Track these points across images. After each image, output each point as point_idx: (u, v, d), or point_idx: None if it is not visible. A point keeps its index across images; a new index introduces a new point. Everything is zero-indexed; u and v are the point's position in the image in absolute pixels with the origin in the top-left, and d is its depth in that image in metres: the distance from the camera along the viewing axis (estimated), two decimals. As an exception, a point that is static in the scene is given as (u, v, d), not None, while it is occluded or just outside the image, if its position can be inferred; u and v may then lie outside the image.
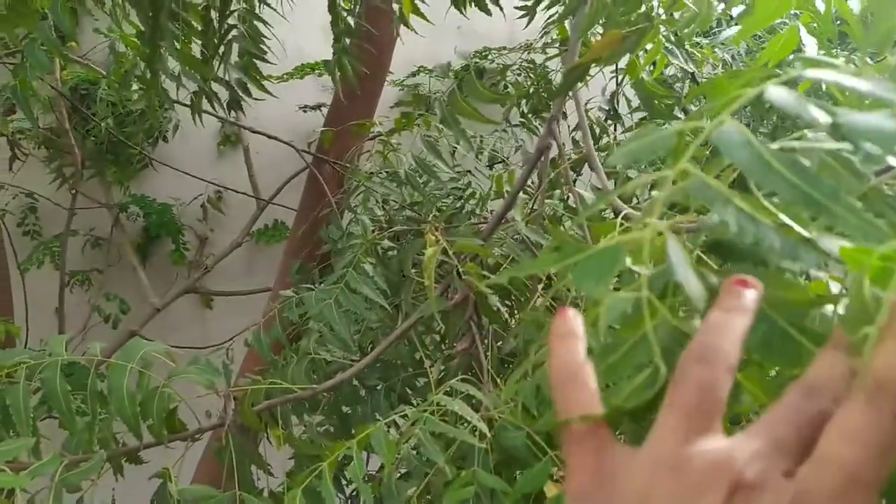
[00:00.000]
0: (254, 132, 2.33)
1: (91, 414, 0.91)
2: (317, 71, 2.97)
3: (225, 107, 1.53)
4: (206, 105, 1.72)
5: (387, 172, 1.47)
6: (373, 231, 1.33)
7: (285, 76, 2.86)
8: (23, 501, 0.74)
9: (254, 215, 3.05)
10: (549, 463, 0.72)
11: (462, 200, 1.42)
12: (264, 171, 3.09)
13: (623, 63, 2.05)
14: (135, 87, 2.62)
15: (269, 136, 2.37)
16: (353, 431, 1.34)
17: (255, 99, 1.60)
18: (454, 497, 0.72)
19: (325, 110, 2.94)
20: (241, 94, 1.53)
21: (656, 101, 1.50)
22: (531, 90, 2.11)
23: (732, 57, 2.09)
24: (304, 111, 2.95)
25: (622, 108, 1.98)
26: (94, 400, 0.91)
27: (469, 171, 1.82)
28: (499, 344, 1.15)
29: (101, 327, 2.77)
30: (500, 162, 2.01)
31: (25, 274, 2.74)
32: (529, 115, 2.19)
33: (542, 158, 1.16)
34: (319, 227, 1.99)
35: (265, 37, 1.53)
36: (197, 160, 3.12)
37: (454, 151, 1.65)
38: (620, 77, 1.98)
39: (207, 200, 3.10)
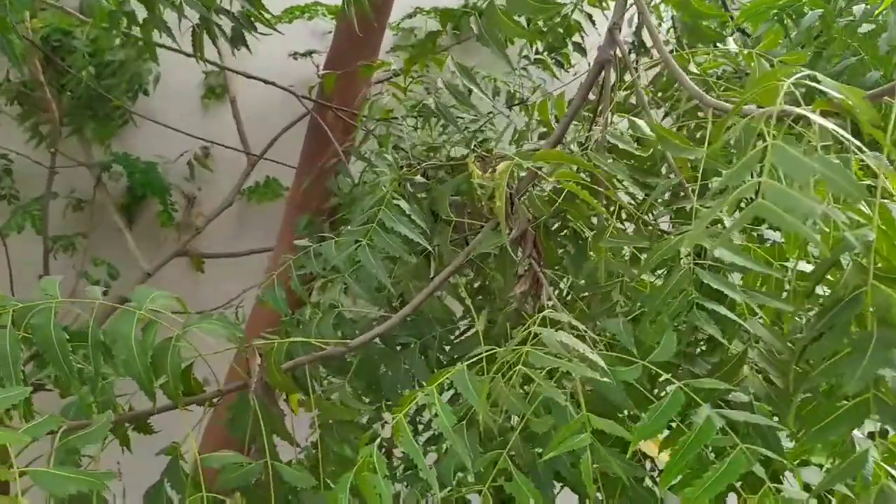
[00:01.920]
0: (249, 77, 2.15)
1: (94, 370, 0.76)
2: (306, 14, 2.78)
3: (229, 42, 1.37)
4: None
5: (411, 106, 1.30)
6: (401, 168, 1.17)
7: (273, 19, 2.68)
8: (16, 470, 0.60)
9: (244, 172, 2.87)
10: (678, 400, 0.58)
11: (492, 139, 1.27)
12: (253, 125, 2.91)
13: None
14: (115, 32, 2.44)
15: (267, 82, 2.19)
16: (383, 393, 1.22)
17: (261, 33, 1.43)
18: (564, 446, 0.58)
19: (316, 57, 2.77)
20: (245, 27, 1.36)
21: (704, 24, 1.35)
22: (545, 28, 1.94)
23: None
24: (295, 58, 2.76)
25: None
26: (96, 352, 0.76)
27: (490, 113, 1.67)
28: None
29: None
30: (519, 103, 1.86)
31: (6, 240, 2.57)
32: (545, 54, 2.03)
33: (603, 73, 1.01)
34: (326, 179, 1.83)
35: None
36: (180, 115, 2.93)
37: (470, 92, 1.50)
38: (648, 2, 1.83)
39: (194, 157, 2.92)
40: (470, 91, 1.45)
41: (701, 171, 0.70)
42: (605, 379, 0.59)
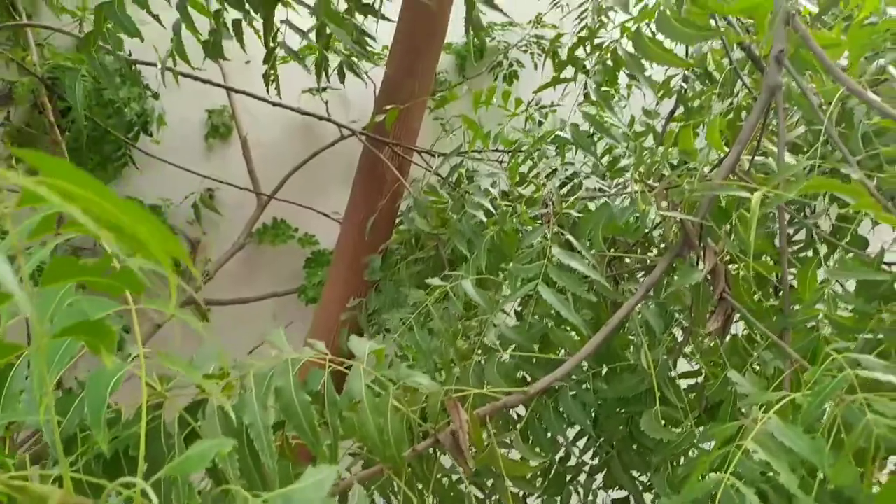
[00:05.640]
0: (321, 119, 2.07)
1: (333, 433, 0.67)
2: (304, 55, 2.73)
3: (338, 74, 1.34)
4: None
5: (540, 137, 1.25)
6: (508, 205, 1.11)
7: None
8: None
9: (255, 213, 2.76)
10: None
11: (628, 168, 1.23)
12: (258, 165, 2.81)
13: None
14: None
15: (330, 121, 2.11)
16: (531, 441, 1.14)
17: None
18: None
19: (328, 93, 2.70)
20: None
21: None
22: (597, 63, 1.94)
23: None
24: (313, 94, 2.69)
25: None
26: (333, 413, 0.67)
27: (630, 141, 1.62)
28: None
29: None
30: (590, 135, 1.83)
31: None
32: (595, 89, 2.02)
33: (773, 101, 0.99)
34: (390, 219, 1.76)
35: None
36: (183, 156, 2.80)
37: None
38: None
39: (200, 199, 2.78)
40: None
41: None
42: None
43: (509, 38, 3.05)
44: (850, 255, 0.96)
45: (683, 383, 1.27)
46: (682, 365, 1.24)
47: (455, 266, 1.56)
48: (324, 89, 2.69)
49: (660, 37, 1.13)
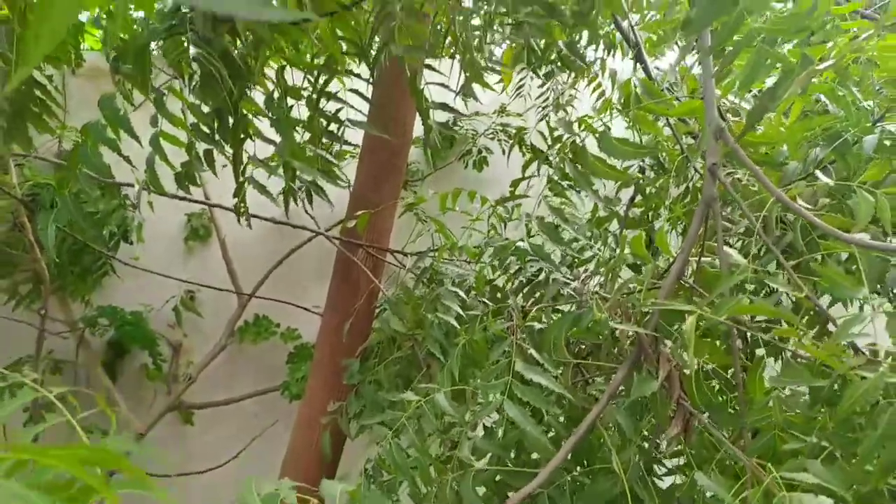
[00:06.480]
0: (295, 227, 2.12)
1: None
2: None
3: (305, 200, 1.45)
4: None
5: (502, 247, 1.32)
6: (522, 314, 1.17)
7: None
8: None
9: (236, 313, 2.79)
10: None
11: (585, 269, 1.29)
12: (239, 264, 2.86)
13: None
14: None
15: (305, 228, 2.15)
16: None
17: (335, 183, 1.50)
18: None
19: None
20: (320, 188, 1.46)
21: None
22: (559, 155, 2.03)
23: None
24: (294, 198, 2.77)
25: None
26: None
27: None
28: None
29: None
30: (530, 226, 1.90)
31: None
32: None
33: (710, 211, 1.06)
34: (367, 320, 1.80)
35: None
36: (162, 260, 2.85)
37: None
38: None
39: (180, 302, 2.81)
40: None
41: None
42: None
43: (476, 125, 3.18)
44: (795, 357, 1.01)
45: (669, 462, 1.30)
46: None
47: (432, 363, 1.60)
48: (299, 189, 2.78)
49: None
